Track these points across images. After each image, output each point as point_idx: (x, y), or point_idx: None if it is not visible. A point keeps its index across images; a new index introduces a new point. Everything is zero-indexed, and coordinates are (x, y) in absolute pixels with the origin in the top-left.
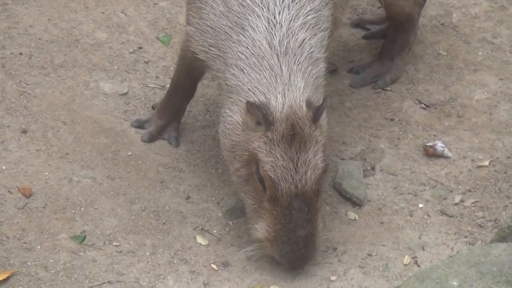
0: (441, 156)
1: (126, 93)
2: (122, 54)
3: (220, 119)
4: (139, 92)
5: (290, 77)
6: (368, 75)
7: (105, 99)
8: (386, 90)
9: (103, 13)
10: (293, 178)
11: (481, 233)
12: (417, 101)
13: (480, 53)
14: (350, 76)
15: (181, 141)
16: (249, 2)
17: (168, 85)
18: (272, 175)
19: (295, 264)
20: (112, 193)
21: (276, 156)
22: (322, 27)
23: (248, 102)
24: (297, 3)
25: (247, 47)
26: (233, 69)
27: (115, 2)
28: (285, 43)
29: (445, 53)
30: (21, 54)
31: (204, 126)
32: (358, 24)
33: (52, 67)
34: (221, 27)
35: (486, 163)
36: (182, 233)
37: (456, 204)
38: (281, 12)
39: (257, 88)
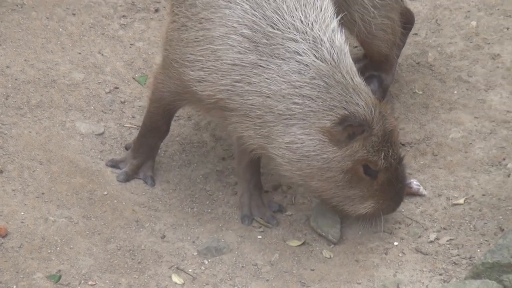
0: (416, 194)
1: (102, 133)
2: (98, 94)
3: (288, 147)
4: (115, 132)
5: (353, 81)
6: None
7: (81, 139)
8: None
9: (79, 53)
10: (398, 156)
11: (455, 270)
12: None
13: (455, 92)
14: None
15: (157, 180)
16: (276, 31)
17: None
18: (387, 165)
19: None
20: (87, 232)
21: (386, 150)
22: (339, 25)
23: (341, 122)
24: (321, 14)
25: (300, 73)
26: (289, 98)
27: (91, 43)
28: (333, 55)
29: (420, 92)
30: None
31: (180, 166)
32: None
33: (28, 108)
34: (249, 61)
35: (461, 201)
36: (157, 272)
37: (431, 242)
38: (313, 28)
39: (334, 107)
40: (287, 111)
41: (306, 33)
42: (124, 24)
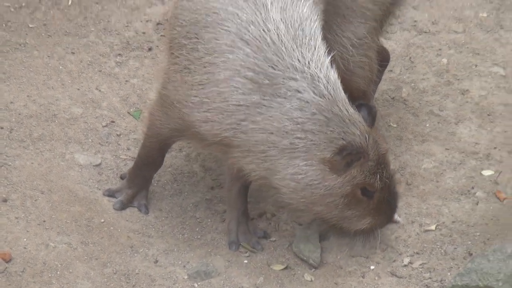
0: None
1: (99, 164)
2: (96, 127)
3: (293, 177)
4: (112, 163)
5: (348, 112)
6: None
7: (80, 170)
8: None
9: (78, 89)
10: (392, 177)
11: None
12: None
13: (427, 125)
14: None
15: (150, 208)
16: (277, 72)
17: None
18: (382, 186)
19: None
20: (86, 257)
21: (380, 172)
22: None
23: (340, 152)
24: (315, 53)
25: (301, 110)
26: (292, 134)
27: (89, 80)
28: (330, 90)
29: (395, 125)
30: (2, 128)
31: (172, 195)
32: None
33: (31, 140)
34: (253, 101)
35: (433, 227)
36: None
37: (405, 265)
38: (310, 66)
39: (334, 138)
40: (291, 145)
41: (304, 71)
42: (120, 62)
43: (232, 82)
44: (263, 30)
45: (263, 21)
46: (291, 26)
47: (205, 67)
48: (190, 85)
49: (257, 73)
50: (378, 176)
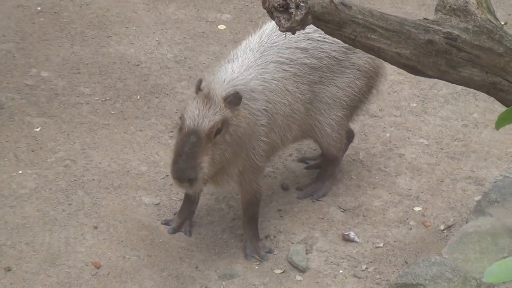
0: (353, 241)
1: (158, 204)
2: (156, 179)
3: None
4: (167, 203)
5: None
6: (308, 191)
7: (146, 207)
8: (319, 200)
9: (144, 154)
10: (194, 119)
11: None
12: (338, 207)
13: (377, 177)
14: (297, 192)
15: (192, 232)
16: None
17: None
18: (184, 115)
19: (176, 173)
20: (150, 265)
21: (192, 105)
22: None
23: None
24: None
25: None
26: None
27: (151, 148)
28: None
29: (355, 178)
30: (94, 179)
31: (206, 224)
32: (302, 159)
33: (113, 188)
34: None
35: (381, 245)
36: None
37: (363, 270)
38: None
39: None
40: None
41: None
42: (172, 136)
43: None
44: None
45: None
46: None
47: None
48: None
49: None
50: (188, 107)
